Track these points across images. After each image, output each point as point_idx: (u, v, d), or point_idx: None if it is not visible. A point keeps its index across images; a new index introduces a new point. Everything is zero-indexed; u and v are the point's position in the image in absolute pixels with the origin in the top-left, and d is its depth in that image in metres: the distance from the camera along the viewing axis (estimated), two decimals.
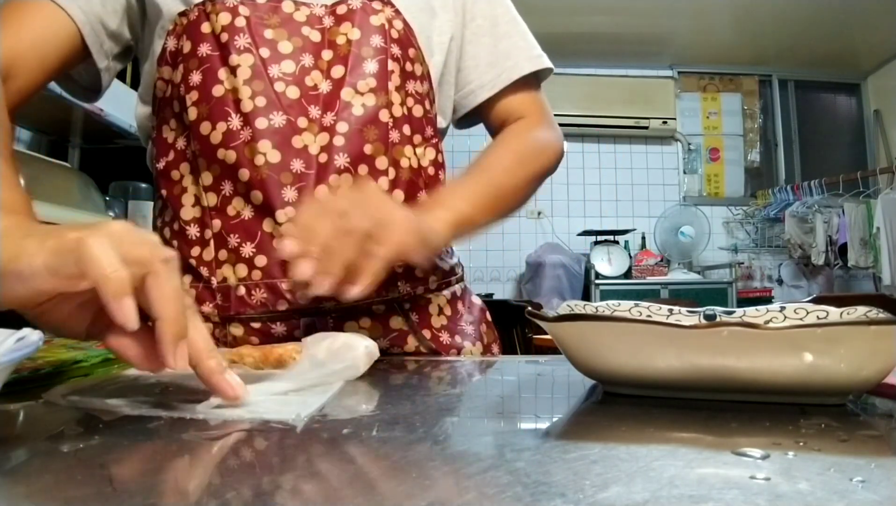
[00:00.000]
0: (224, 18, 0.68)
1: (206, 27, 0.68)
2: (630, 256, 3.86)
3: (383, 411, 0.38)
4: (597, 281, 3.72)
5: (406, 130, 0.72)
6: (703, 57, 4.32)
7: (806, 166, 4.46)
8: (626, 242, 3.97)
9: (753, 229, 4.31)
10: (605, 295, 3.66)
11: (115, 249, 0.35)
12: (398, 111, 0.71)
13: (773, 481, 0.23)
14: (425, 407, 0.40)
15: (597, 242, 3.88)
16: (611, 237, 3.89)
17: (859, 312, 0.42)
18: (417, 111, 0.74)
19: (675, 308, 0.51)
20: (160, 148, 0.73)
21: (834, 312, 0.43)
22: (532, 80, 0.83)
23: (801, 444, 0.29)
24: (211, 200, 0.68)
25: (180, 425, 0.34)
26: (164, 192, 0.72)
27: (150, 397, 0.39)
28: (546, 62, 0.83)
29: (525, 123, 0.81)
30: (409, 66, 0.73)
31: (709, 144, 4.45)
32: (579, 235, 3.98)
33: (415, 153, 0.73)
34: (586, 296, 3.72)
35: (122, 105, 1.73)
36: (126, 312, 0.34)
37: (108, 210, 1.70)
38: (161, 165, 0.72)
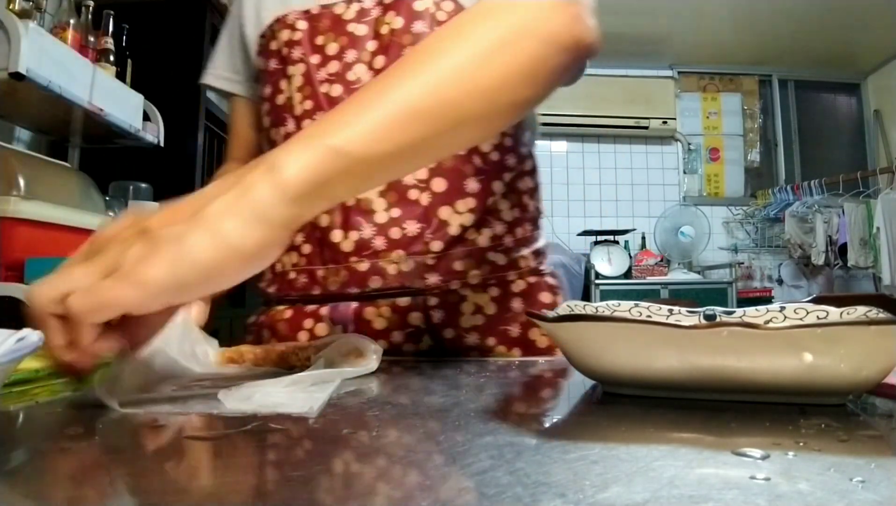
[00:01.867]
0: (284, 35, 0.74)
1: (273, 45, 0.76)
2: (630, 256, 3.86)
3: (383, 411, 0.38)
4: (597, 281, 3.73)
5: None
6: (703, 57, 4.33)
7: (806, 166, 4.47)
8: (626, 242, 3.97)
9: (753, 229, 4.32)
10: (605, 295, 3.67)
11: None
12: None
13: (772, 482, 0.23)
14: (425, 407, 0.40)
15: (597, 242, 3.88)
16: (611, 237, 3.89)
17: (859, 311, 0.42)
18: None
19: (675, 308, 0.51)
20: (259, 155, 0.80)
21: (834, 312, 0.43)
22: None
23: (801, 444, 0.29)
24: None
25: (180, 426, 0.34)
26: None
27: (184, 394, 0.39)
28: None
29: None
30: None
31: (709, 143, 4.45)
32: (579, 235, 3.98)
33: None
34: (586, 296, 3.72)
35: (122, 105, 1.73)
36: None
37: (109, 210, 1.69)
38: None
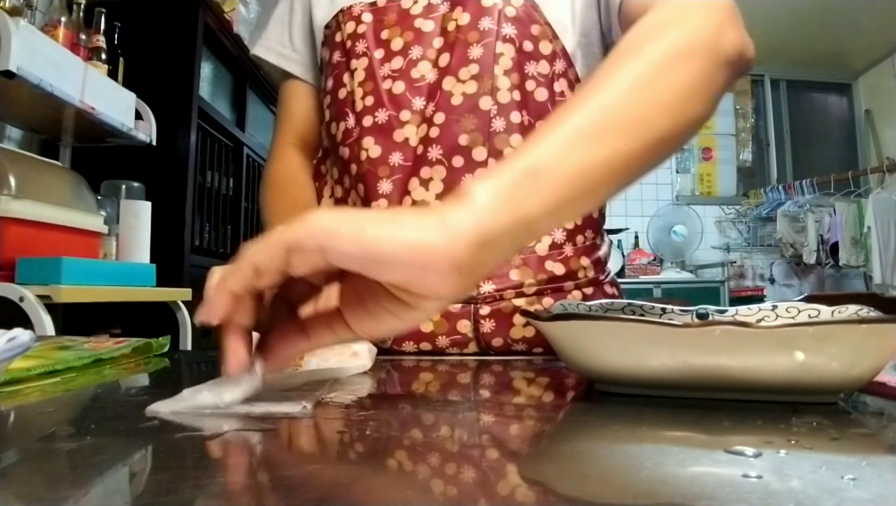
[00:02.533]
0: (349, 27, 0.73)
1: (338, 37, 0.74)
2: (623, 256, 3.87)
3: (376, 410, 0.38)
4: None
5: (515, 117, 0.67)
6: None
7: (797, 166, 4.49)
8: (619, 241, 3.98)
9: (745, 228, 4.34)
10: None
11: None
12: (506, 97, 0.67)
13: (765, 480, 0.23)
14: (419, 406, 0.40)
15: None
16: None
17: (850, 310, 0.42)
18: (540, 94, 0.69)
19: (668, 307, 0.51)
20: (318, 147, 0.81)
21: (825, 311, 0.43)
22: None
23: (793, 442, 0.29)
24: (338, 192, 0.75)
25: (173, 426, 0.34)
26: (316, 184, 0.79)
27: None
28: None
29: (646, 17, 0.50)
30: (528, 46, 0.68)
31: (701, 143, 4.47)
32: None
33: None
34: None
35: (114, 103, 1.72)
36: None
37: (101, 209, 1.69)
38: (315, 161, 0.80)
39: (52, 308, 1.30)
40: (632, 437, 0.32)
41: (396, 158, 0.68)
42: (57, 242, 1.47)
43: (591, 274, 0.72)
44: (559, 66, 0.70)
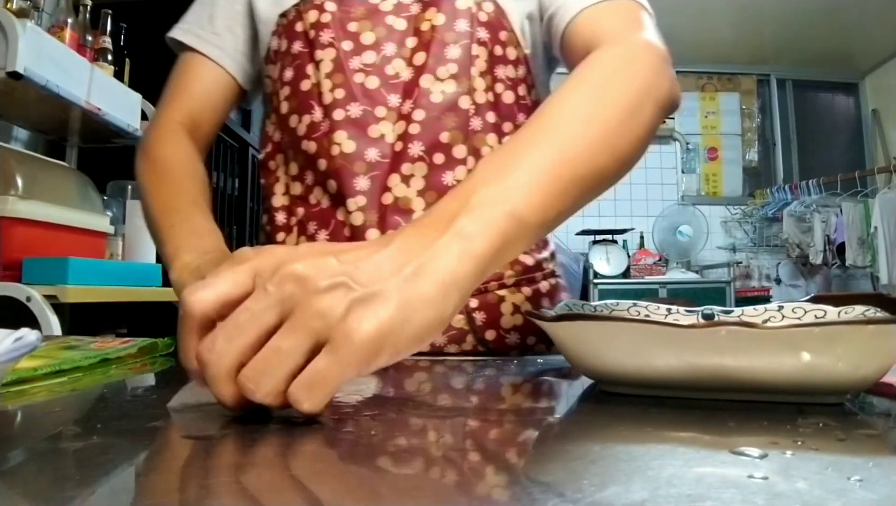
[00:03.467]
0: (312, 16, 0.71)
1: (299, 26, 0.72)
2: (628, 256, 3.86)
3: (380, 410, 0.38)
4: (595, 280, 3.73)
5: (490, 117, 0.70)
6: (702, 56, 4.33)
7: (804, 166, 4.47)
8: (625, 241, 3.97)
9: (751, 229, 4.32)
10: (604, 294, 3.67)
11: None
12: (482, 98, 0.69)
13: (770, 481, 0.23)
14: (422, 407, 0.40)
15: (595, 242, 3.88)
16: (609, 237, 3.89)
17: (857, 311, 0.42)
18: (508, 97, 0.71)
19: (674, 307, 0.51)
20: (262, 140, 0.78)
21: (832, 312, 0.43)
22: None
23: (799, 443, 0.29)
24: (297, 189, 0.72)
25: (178, 425, 0.34)
26: (262, 181, 0.77)
27: None
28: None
29: (598, 55, 0.57)
30: (498, 51, 0.71)
31: (707, 143, 4.45)
32: (578, 234, 3.98)
33: (500, 142, 0.70)
34: (585, 295, 3.72)
35: (119, 104, 1.73)
36: None
37: (107, 209, 1.69)
38: (261, 155, 0.77)
39: (59, 308, 1.30)
40: (636, 437, 0.32)
41: (373, 154, 0.67)
42: (63, 242, 1.47)
43: (550, 266, 0.76)
44: (521, 71, 0.73)
